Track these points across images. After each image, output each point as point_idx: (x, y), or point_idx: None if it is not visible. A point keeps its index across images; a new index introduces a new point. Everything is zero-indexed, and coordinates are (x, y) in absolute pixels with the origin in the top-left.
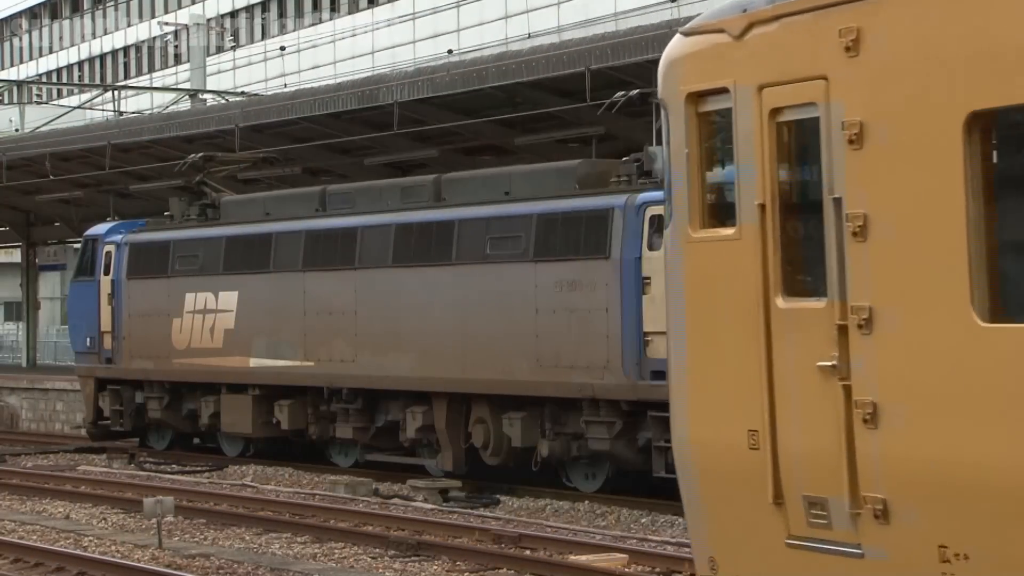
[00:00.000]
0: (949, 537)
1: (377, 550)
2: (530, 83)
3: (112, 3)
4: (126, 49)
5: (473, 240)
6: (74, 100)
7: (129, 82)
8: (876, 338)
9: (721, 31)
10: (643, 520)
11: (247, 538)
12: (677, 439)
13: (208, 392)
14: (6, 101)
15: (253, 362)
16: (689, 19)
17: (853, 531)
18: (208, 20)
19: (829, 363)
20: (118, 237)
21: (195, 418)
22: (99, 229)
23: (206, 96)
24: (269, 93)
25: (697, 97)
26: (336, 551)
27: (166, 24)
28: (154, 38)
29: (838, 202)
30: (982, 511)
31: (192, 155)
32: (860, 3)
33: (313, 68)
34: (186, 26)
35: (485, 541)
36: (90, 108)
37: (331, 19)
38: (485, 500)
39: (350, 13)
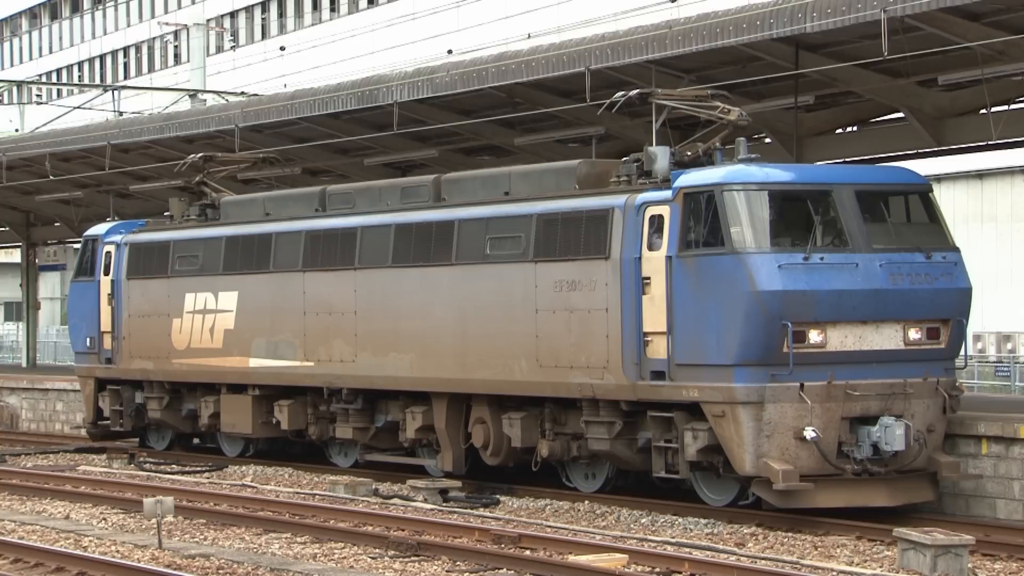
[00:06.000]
0: None
1: (377, 550)
2: (530, 83)
3: (112, 3)
4: (126, 49)
5: (473, 240)
6: (74, 100)
7: (129, 82)
8: None
9: None
10: (643, 520)
11: (247, 538)
12: None
13: (208, 392)
14: (6, 101)
15: (253, 362)
16: (689, 19)
17: None
18: (208, 20)
19: None
20: (118, 237)
21: (195, 418)
22: (99, 229)
23: (206, 96)
24: (269, 93)
25: None
26: (336, 551)
27: (166, 24)
28: (154, 38)
29: None
30: None
31: (192, 155)
32: None
33: (313, 68)
34: (186, 26)
35: (485, 541)
36: (90, 108)
37: (331, 19)
38: (485, 500)
39: (350, 13)
